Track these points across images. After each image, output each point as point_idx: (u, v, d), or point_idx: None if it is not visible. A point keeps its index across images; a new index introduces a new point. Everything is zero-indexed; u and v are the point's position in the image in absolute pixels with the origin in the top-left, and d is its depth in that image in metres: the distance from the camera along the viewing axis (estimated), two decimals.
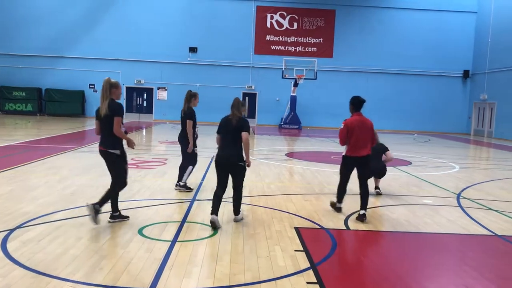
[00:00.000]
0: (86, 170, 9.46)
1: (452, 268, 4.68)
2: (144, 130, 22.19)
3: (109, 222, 5.70)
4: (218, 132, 6.16)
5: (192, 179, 8.92)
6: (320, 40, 30.01)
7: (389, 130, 29.56)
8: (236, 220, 6.03)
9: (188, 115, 7.84)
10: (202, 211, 6.48)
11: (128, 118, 29.85)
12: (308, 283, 4.09)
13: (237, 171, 5.92)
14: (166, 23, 29.35)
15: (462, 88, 30.64)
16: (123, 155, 5.72)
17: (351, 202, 7.51)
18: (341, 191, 6.78)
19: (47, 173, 8.92)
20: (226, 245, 5.02)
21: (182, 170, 7.90)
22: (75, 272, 4.12)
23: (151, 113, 30.18)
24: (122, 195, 7.20)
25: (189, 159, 7.92)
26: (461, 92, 30.65)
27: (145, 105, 30.30)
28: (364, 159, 6.47)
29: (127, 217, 5.89)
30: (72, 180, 8.36)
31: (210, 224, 5.71)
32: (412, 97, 30.23)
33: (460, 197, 8.46)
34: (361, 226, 6.12)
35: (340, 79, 29.99)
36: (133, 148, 5.86)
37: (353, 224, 6.18)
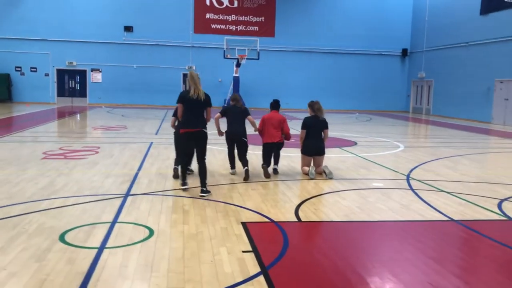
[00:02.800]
0: (4, 163, 8.38)
1: (414, 262, 4.29)
2: (78, 116, 20.74)
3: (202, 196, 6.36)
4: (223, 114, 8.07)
5: (126, 170, 8.13)
6: (261, 19, 29.36)
7: (332, 109, 29.59)
8: None
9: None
10: (136, 208, 5.75)
11: (60, 102, 28.04)
12: None
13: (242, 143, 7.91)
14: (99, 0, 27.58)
15: (401, 67, 31.17)
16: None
17: (301, 191, 7.04)
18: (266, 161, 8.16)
19: None
20: (163, 250, 4.36)
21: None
22: None
23: (85, 96, 28.46)
24: (41, 192, 6.32)
25: None
26: (400, 70, 31.17)
27: (78, 88, 28.51)
28: (275, 145, 8.17)
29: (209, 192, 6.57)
30: None
31: (142, 224, 5.06)
32: (353, 76, 30.41)
33: (410, 178, 8.23)
34: (312, 217, 5.64)
35: (283, 58, 29.60)
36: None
37: (304, 215, 5.68)
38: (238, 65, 26.82)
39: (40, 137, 12.44)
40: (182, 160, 6.87)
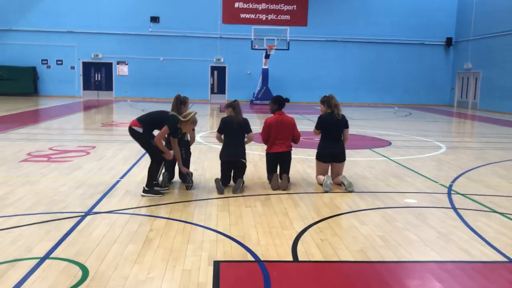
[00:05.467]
0: None
1: None
2: (93, 110, 19.86)
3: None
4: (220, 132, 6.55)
5: (108, 177, 6.85)
6: (293, 7, 27.71)
7: (368, 103, 27.77)
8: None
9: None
10: (88, 234, 4.45)
11: (86, 96, 27.44)
12: None
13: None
14: None
15: (445, 57, 28.82)
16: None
17: (309, 209, 5.56)
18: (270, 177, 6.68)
19: None
20: None
21: None
22: None
23: (111, 90, 27.73)
24: None
25: None
26: (443, 61, 28.85)
27: (104, 81, 27.80)
28: (283, 155, 6.61)
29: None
30: None
31: (79, 262, 3.74)
32: (392, 67, 28.36)
33: (452, 191, 6.60)
34: (315, 254, 4.16)
35: (316, 49, 27.89)
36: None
37: (304, 250, 4.22)
38: (267, 56, 25.37)
39: (38, 134, 11.43)
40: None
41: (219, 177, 6.47)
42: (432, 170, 8.14)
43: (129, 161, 8.17)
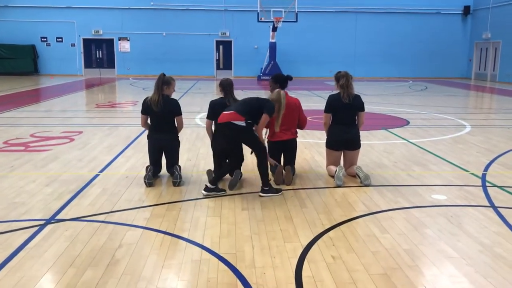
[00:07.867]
0: None
1: None
2: (92, 90, 18.92)
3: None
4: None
5: (85, 170, 5.93)
6: None
7: (381, 77, 26.48)
8: None
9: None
10: (39, 255, 3.55)
11: (88, 74, 26.50)
12: None
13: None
14: None
15: (462, 27, 27.28)
16: None
17: (318, 211, 4.60)
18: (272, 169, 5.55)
19: None
20: None
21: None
22: None
23: (113, 67, 26.72)
24: None
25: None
26: (460, 31, 27.31)
27: (105, 59, 26.77)
28: (287, 143, 5.70)
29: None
30: None
31: None
32: (406, 38, 26.91)
33: (487, 183, 5.60)
34: (325, 279, 3.22)
35: (326, 21, 26.51)
36: None
37: (311, 275, 3.28)
38: (274, 29, 24.10)
39: (24, 118, 10.54)
40: None
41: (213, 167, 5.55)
42: (459, 155, 7.12)
43: (115, 149, 7.26)
